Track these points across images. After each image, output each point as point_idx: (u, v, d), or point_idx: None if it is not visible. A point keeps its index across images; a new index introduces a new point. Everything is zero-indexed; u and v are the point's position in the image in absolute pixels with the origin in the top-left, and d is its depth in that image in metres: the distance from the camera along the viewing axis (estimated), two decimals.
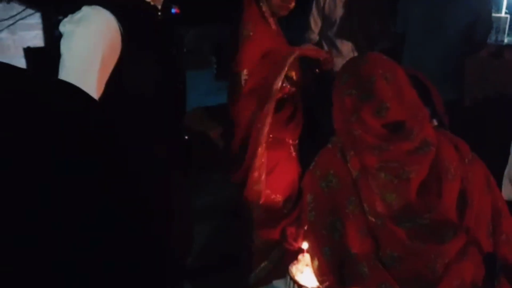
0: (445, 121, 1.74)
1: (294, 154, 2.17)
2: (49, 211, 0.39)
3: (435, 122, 1.66)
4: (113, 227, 0.44)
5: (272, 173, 2.12)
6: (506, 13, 4.20)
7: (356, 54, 2.99)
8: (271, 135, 2.07)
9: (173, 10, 2.09)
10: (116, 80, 1.56)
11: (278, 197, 2.15)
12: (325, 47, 3.01)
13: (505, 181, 1.87)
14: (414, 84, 1.98)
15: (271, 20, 2.01)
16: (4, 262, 0.36)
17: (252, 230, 2.20)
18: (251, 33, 1.95)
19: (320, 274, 1.51)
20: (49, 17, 3.30)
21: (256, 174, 2.02)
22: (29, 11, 2.94)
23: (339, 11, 2.95)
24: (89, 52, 1.48)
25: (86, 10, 1.49)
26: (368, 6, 2.98)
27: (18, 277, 0.37)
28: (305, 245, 1.77)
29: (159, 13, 1.67)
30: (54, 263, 0.39)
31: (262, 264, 2.20)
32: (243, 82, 1.99)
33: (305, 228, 1.64)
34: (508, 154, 1.91)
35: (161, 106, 1.71)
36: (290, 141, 2.10)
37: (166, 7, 1.73)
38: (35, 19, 2.93)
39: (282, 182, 2.15)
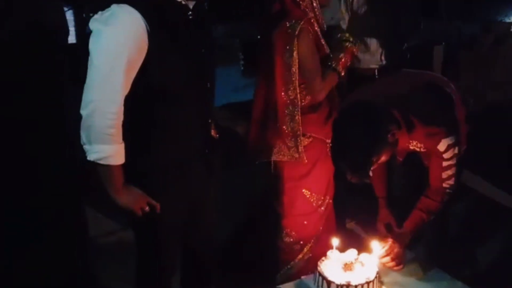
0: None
1: (329, 153, 2.16)
2: None
3: None
4: None
5: (310, 173, 2.12)
6: None
7: (384, 50, 2.96)
8: (311, 135, 2.08)
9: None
10: (143, 78, 1.58)
11: (314, 196, 2.15)
12: None
13: None
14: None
15: (319, 12, 2.00)
16: None
17: (284, 228, 2.19)
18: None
19: None
20: (81, 14, 3.36)
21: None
22: None
23: (367, 7, 2.92)
24: (116, 50, 1.50)
25: (114, 8, 1.52)
26: (396, 3, 2.94)
27: None
28: (335, 242, 1.77)
29: (190, 12, 1.69)
30: None
31: (292, 263, 2.19)
32: None
33: None
34: None
35: (188, 103, 1.73)
36: (327, 140, 2.09)
37: (200, 7, 1.74)
38: (68, 16, 2.99)
39: (319, 182, 2.15)
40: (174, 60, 1.64)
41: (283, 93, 2.00)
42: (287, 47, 1.93)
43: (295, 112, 1.99)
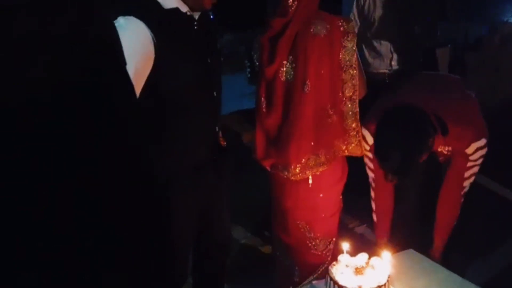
0: None
1: None
2: None
3: None
4: None
5: (343, 174, 2.08)
6: None
7: (395, 55, 2.96)
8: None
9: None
10: (150, 89, 1.60)
11: (340, 195, 2.13)
12: (364, 48, 2.99)
13: None
14: None
15: None
16: None
17: (317, 235, 2.12)
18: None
19: None
20: None
21: None
22: None
23: (379, 12, 2.92)
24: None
25: (121, 21, 1.54)
26: (410, 7, 2.94)
27: None
28: (345, 246, 1.77)
29: (195, 23, 1.71)
30: None
31: (327, 261, 2.11)
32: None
33: None
34: None
35: (195, 112, 1.75)
36: None
37: (205, 17, 1.76)
38: None
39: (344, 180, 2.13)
40: (180, 70, 1.66)
41: (340, 93, 1.93)
42: (348, 45, 1.88)
43: (354, 107, 1.93)
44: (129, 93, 1.04)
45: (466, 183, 1.95)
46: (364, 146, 2.00)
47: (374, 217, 2.18)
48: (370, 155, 2.05)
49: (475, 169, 1.93)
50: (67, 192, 0.89)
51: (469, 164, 1.91)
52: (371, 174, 2.12)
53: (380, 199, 2.16)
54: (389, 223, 2.19)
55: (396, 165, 1.84)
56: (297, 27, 1.90)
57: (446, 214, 2.04)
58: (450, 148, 1.93)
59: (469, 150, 1.88)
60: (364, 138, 2.00)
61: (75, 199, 0.90)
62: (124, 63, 1.04)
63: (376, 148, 1.93)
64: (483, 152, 1.89)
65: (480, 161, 1.91)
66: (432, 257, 2.03)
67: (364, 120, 1.97)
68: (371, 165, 2.09)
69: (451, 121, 1.85)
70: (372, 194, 2.16)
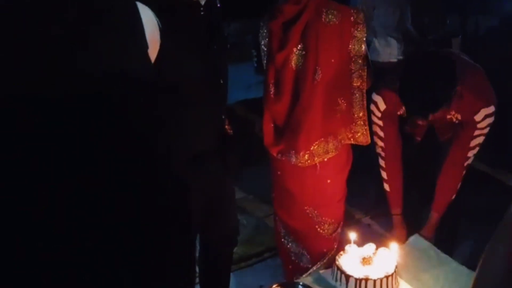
0: None
1: None
2: None
3: None
4: None
5: (348, 160, 2.08)
6: None
7: (404, 44, 2.96)
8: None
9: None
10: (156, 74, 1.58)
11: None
12: (374, 38, 2.98)
13: None
14: None
15: None
16: None
17: (325, 220, 2.10)
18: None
19: None
20: None
21: None
22: None
23: (389, 2, 2.91)
24: None
25: None
26: None
27: None
28: (352, 236, 1.77)
29: (202, 9, 1.69)
30: None
31: (334, 247, 2.11)
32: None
33: None
34: None
35: (201, 100, 1.73)
36: None
37: (211, 3, 1.74)
38: None
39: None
40: (186, 56, 1.65)
41: (348, 83, 1.94)
42: (358, 36, 1.89)
43: (362, 97, 1.95)
44: (150, 78, 1.03)
45: (471, 154, 1.96)
46: (374, 113, 2.01)
47: (386, 186, 2.15)
48: (381, 122, 2.04)
49: (481, 138, 1.93)
50: (67, 192, 0.88)
51: (476, 132, 1.92)
52: (380, 143, 2.10)
53: (390, 167, 2.13)
54: (401, 192, 2.17)
55: (421, 102, 1.79)
56: (309, 15, 1.88)
57: (447, 185, 2.04)
58: (459, 117, 1.92)
59: (478, 117, 1.88)
60: (376, 104, 2.00)
61: (75, 199, 0.89)
62: (146, 47, 1.03)
63: (402, 84, 1.86)
64: (490, 120, 1.89)
65: (486, 130, 1.91)
66: (424, 235, 2.03)
67: (377, 87, 1.97)
68: (381, 133, 2.07)
69: (466, 87, 1.84)
70: (382, 163, 2.13)
